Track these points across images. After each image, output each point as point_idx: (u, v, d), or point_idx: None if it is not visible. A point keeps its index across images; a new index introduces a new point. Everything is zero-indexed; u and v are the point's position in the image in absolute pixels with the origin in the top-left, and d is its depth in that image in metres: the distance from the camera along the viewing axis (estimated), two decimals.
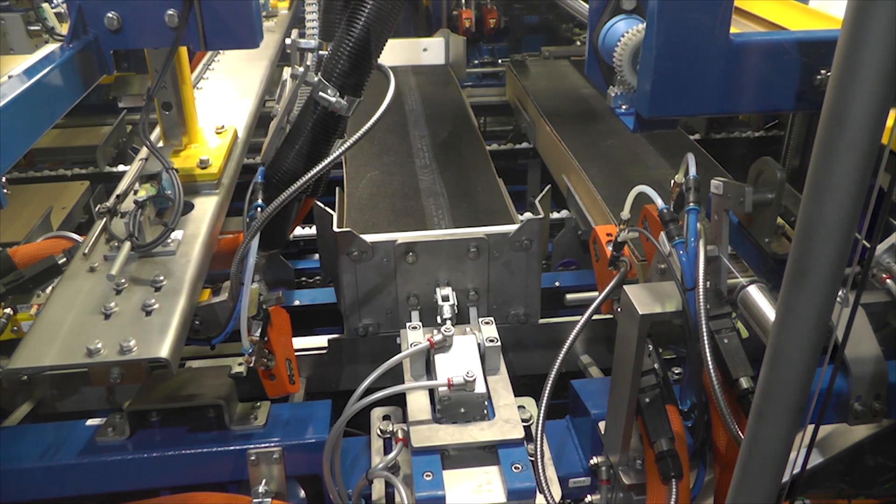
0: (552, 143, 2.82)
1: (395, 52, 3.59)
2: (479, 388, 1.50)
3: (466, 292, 1.87)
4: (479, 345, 1.64)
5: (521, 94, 3.39)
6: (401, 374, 1.61)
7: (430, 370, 1.61)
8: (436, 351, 1.59)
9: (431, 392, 1.56)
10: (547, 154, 2.99)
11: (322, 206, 1.87)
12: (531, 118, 3.18)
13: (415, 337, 1.67)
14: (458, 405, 1.50)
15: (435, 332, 1.60)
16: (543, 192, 1.97)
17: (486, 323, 1.71)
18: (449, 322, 1.71)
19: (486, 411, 1.52)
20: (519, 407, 1.58)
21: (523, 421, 1.58)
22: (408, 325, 1.74)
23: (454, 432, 1.48)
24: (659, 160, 2.58)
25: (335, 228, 1.79)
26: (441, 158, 2.50)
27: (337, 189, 2.22)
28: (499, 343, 1.63)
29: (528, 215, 1.84)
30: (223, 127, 2.07)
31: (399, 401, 1.60)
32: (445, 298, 1.81)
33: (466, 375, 1.48)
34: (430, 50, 3.62)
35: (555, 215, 2.66)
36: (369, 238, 1.81)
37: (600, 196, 2.27)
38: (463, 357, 1.59)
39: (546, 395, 1.53)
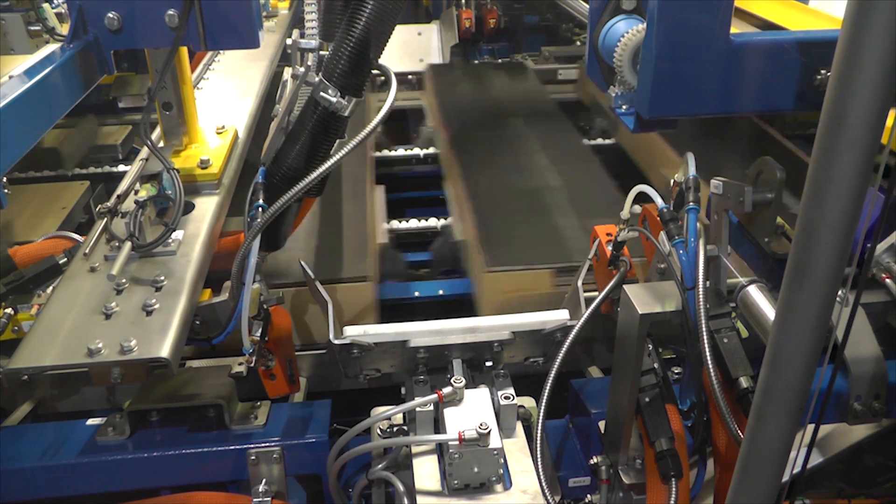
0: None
1: (393, 37, 3.62)
2: (495, 442, 1.34)
3: (482, 362, 1.66)
4: (493, 401, 1.48)
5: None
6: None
7: (438, 430, 1.46)
8: (445, 405, 1.44)
9: (440, 458, 1.41)
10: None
11: (310, 272, 1.70)
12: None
13: (421, 392, 1.52)
14: (470, 463, 1.34)
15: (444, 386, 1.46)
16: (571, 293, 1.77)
17: (502, 376, 1.56)
18: (459, 374, 1.55)
19: (501, 471, 1.37)
20: (519, 407, 1.57)
21: (523, 421, 1.57)
22: (413, 378, 1.58)
23: None
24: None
25: (332, 338, 1.56)
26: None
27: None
28: (515, 401, 1.48)
29: (564, 315, 1.64)
30: (223, 127, 2.07)
31: (399, 401, 1.60)
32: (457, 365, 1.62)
33: (480, 428, 1.33)
34: (424, 34, 3.64)
35: None
36: (373, 337, 1.57)
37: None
38: (476, 411, 1.43)
39: (546, 395, 1.53)
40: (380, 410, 1.69)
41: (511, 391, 1.50)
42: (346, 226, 2.26)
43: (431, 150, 3.21)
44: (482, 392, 1.48)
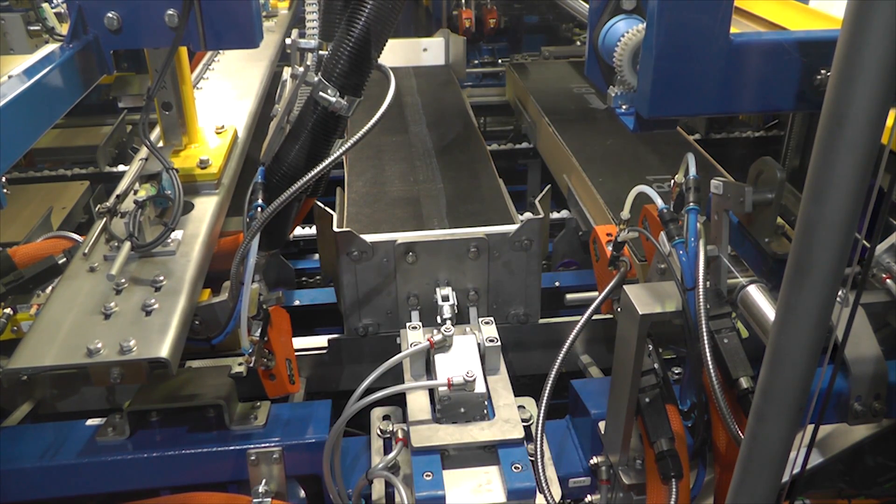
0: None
1: (396, 53, 3.59)
2: (479, 387, 1.50)
3: (466, 292, 1.87)
4: (479, 345, 1.63)
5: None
6: (401, 375, 1.61)
7: (430, 370, 1.61)
8: (435, 351, 1.59)
9: (431, 392, 1.56)
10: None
11: (322, 205, 1.87)
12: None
13: (415, 337, 1.67)
14: (457, 405, 1.50)
15: (435, 331, 1.60)
16: (543, 193, 1.96)
17: (486, 323, 1.71)
18: (449, 322, 1.71)
19: (486, 411, 1.52)
20: (519, 407, 1.58)
21: (523, 421, 1.58)
22: (408, 325, 1.74)
23: (454, 432, 1.48)
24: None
25: (335, 228, 1.79)
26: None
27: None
28: (499, 343, 1.63)
29: (528, 215, 1.84)
30: (223, 127, 2.07)
31: (399, 401, 1.60)
32: (445, 298, 1.81)
33: (466, 375, 1.48)
34: (430, 50, 3.62)
35: (555, 215, 2.66)
36: (369, 238, 1.80)
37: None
38: (463, 357, 1.59)
39: (546, 395, 1.53)
40: (380, 411, 1.70)
41: (495, 334, 1.66)
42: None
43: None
44: (469, 339, 1.64)
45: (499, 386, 1.60)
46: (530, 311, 1.95)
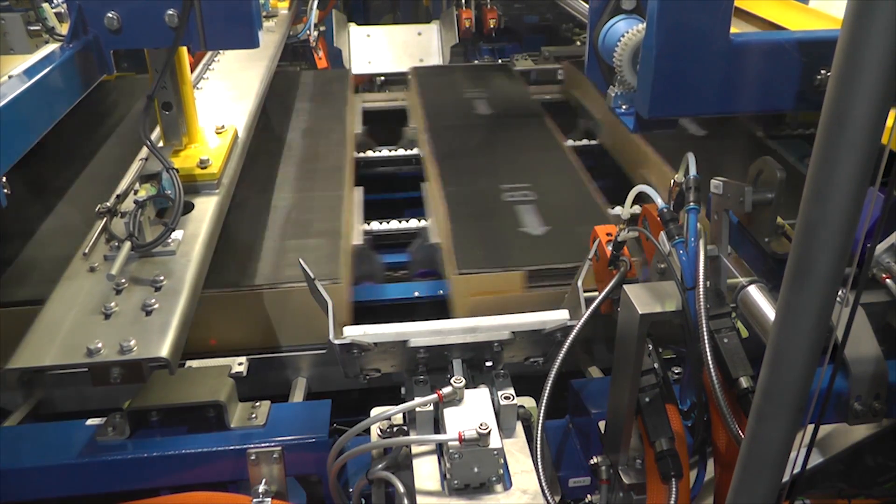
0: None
1: (393, 37, 3.62)
2: (495, 442, 1.34)
3: (482, 362, 1.65)
4: (493, 401, 1.48)
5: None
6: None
7: (438, 430, 1.46)
8: (445, 405, 1.43)
9: (440, 458, 1.41)
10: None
11: (308, 271, 1.61)
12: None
13: (421, 392, 1.50)
14: (470, 463, 1.33)
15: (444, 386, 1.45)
16: (584, 272, 1.73)
17: (502, 376, 1.55)
18: (459, 374, 1.54)
19: (501, 471, 1.36)
20: (519, 407, 1.57)
21: (523, 421, 1.57)
22: (413, 378, 1.56)
23: None
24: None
25: (332, 338, 1.51)
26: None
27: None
28: (515, 401, 1.48)
29: (564, 314, 1.62)
30: (223, 127, 2.07)
31: (400, 401, 1.60)
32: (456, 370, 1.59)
33: (480, 428, 1.32)
34: (424, 34, 3.63)
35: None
36: (373, 338, 1.54)
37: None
38: (476, 411, 1.43)
39: (546, 395, 1.52)
40: (379, 410, 1.69)
41: (511, 391, 1.50)
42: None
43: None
44: (482, 392, 1.48)
45: (515, 449, 1.44)
46: (549, 358, 1.68)
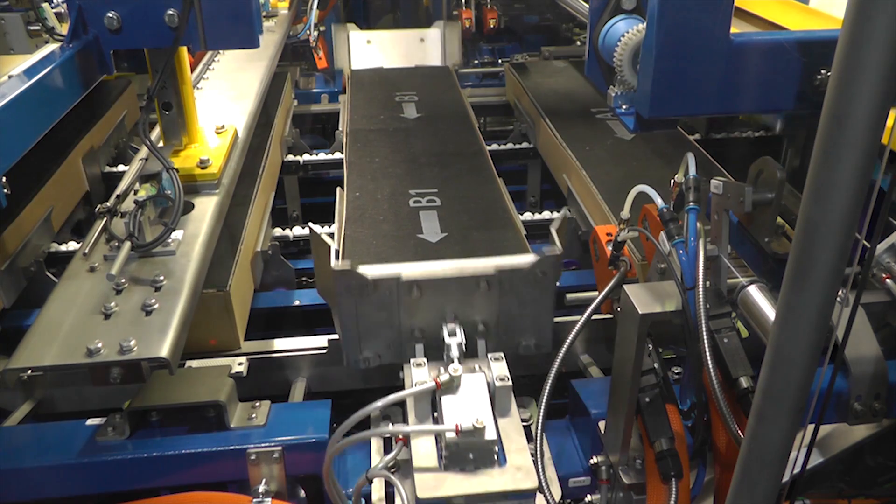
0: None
1: (395, 43, 3.60)
2: (490, 434, 1.38)
3: (475, 325, 1.74)
4: (488, 384, 1.52)
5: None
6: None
7: (435, 409, 1.50)
8: (442, 392, 1.48)
9: (437, 434, 1.46)
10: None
11: (319, 233, 1.75)
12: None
13: (419, 376, 1.54)
14: (466, 452, 1.39)
15: (441, 370, 1.50)
16: (560, 222, 1.81)
17: (496, 360, 1.59)
18: (456, 360, 1.58)
19: (496, 457, 1.41)
20: (519, 407, 1.57)
21: (523, 421, 1.57)
22: (412, 361, 1.61)
23: (462, 481, 1.37)
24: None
25: (333, 265, 1.63)
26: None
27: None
28: (510, 383, 1.52)
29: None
30: (223, 127, 2.07)
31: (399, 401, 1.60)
32: (452, 334, 1.66)
33: (476, 422, 1.37)
34: (426, 40, 3.61)
35: (555, 214, 2.65)
36: (370, 272, 1.63)
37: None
38: (472, 399, 1.47)
39: (546, 395, 1.53)
40: (379, 412, 1.69)
41: (506, 373, 1.54)
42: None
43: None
44: (478, 377, 1.51)
45: (510, 429, 1.48)
46: (541, 343, 1.79)
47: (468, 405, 1.45)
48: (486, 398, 1.48)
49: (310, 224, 1.77)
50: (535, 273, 1.68)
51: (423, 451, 1.44)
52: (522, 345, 1.78)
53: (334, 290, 1.65)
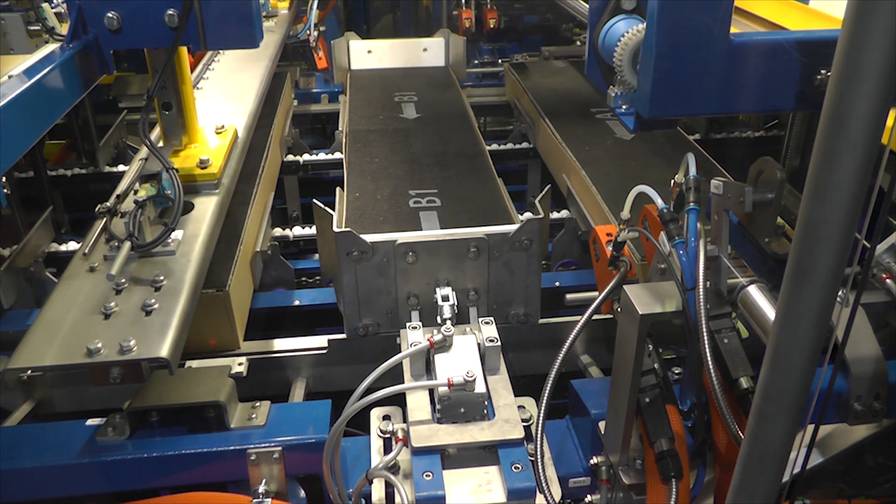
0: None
1: (396, 53, 3.59)
2: (479, 388, 1.50)
3: (466, 292, 1.87)
4: (479, 345, 1.64)
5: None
6: (401, 375, 1.61)
7: (429, 370, 1.62)
8: (435, 351, 1.59)
9: (431, 392, 1.56)
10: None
11: (322, 205, 1.87)
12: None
13: (415, 337, 1.67)
14: (457, 405, 1.50)
15: (435, 331, 1.60)
16: (543, 193, 1.96)
17: (486, 323, 1.72)
18: (449, 322, 1.72)
19: (486, 411, 1.53)
20: (519, 407, 1.58)
21: (523, 421, 1.58)
22: (408, 325, 1.74)
23: (454, 432, 1.49)
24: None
25: (335, 228, 1.79)
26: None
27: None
28: (499, 343, 1.64)
29: (528, 215, 1.83)
30: (223, 127, 2.07)
31: (399, 401, 1.60)
32: (445, 298, 1.81)
33: (466, 375, 1.48)
34: (430, 50, 3.61)
35: (555, 215, 2.65)
36: (369, 238, 1.80)
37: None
38: (463, 357, 1.59)
39: (546, 395, 1.53)
40: (379, 412, 1.69)
41: (495, 334, 1.66)
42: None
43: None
44: (469, 339, 1.64)
45: (499, 386, 1.60)
46: (530, 311, 1.95)
47: (460, 363, 1.57)
48: (476, 357, 1.60)
49: (314, 199, 1.90)
50: (521, 239, 1.83)
51: (418, 406, 1.55)
52: (512, 313, 1.94)
53: (336, 255, 1.80)
